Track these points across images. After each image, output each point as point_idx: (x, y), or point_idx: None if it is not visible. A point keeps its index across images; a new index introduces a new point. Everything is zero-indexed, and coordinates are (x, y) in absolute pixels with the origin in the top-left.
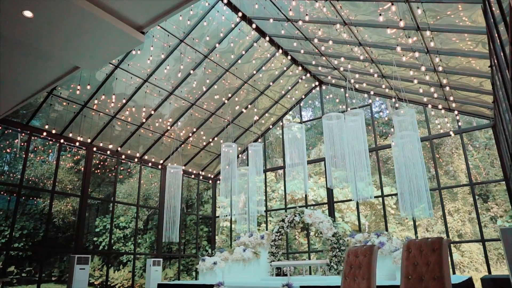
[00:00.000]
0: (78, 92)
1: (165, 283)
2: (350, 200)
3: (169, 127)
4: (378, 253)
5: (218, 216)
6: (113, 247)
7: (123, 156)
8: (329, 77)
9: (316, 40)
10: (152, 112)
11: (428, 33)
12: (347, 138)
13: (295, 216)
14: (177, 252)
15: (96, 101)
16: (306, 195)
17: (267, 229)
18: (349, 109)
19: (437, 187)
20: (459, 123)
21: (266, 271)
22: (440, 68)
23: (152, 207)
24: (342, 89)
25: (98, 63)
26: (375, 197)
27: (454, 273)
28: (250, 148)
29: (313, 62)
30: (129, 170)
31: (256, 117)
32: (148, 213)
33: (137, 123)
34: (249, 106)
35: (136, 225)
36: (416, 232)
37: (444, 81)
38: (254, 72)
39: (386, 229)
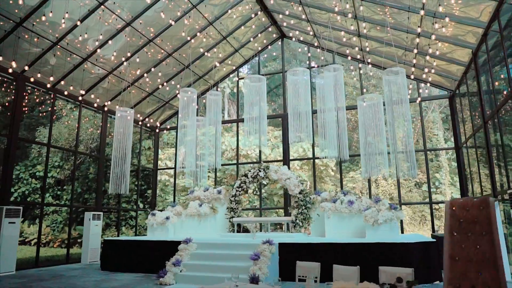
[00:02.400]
0: (15, 2)
1: (113, 239)
2: (309, 158)
3: (124, 62)
4: (346, 211)
5: (175, 168)
6: (27, 199)
7: (66, 92)
8: (296, 33)
9: None
10: (110, 43)
11: None
12: (319, 94)
13: (260, 171)
14: (111, 206)
15: (38, 20)
16: (260, 151)
17: (215, 184)
18: (316, 66)
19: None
20: (426, 91)
21: (223, 227)
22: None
23: (92, 154)
24: (303, 47)
25: None
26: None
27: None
28: (208, 96)
29: (286, 12)
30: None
31: (217, 63)
32: (78, 161)
33: (82, 55)
34: (215, 50)
35: (74, 173)
36: (370, 195)
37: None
38: (229, 10)
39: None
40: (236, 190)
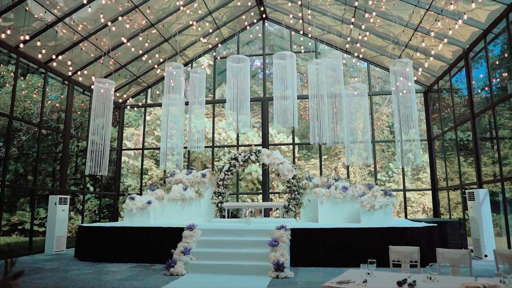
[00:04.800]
0: None
1: (92, 225)
2: (290, 144)
3: (112, 26)
4: (341, 197)
5: (142, 149)
6: None
7: (40, 56)
8: (280, 17)
9: None
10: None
11: None
12: (311, 80)
13: (251, 155)
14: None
15: None
16: (238, 135)
17: (189, 167)
18: (302, 50)
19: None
20: (409, 84)
21: (208, 212)
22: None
23: (57, 130)
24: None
25: None
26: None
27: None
28: (192, 74)
29: None
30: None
31: (202, 39)
32: (26, 137)
33: (56, 14)
34: (206, 25)
35: (38, 151)
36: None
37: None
38: None
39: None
40: (225, 174)
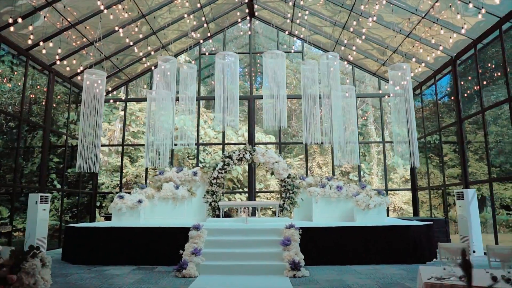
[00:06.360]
0: None
1: (80, 226)
2: (275, 143)
3: (106, 10)
4: (335, 196)
5: (122, 145)
6: None
7: (30, 42)
8: (269, 16)
9: None
10: None
11: None
12: (304, 80)
13: (246, 153)
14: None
15: None
16: (223, 133)
17: (172, 164)
18: (293, 49)
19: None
20: (396, 88)
21: (200, 212)
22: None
23: (37, 123)
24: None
25: None
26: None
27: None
28: (183, 69)
29: None
30: None
31: (193, 34)
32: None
33: None
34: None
35: (18, 145)
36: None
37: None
38: None
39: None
40: (218, 172)
